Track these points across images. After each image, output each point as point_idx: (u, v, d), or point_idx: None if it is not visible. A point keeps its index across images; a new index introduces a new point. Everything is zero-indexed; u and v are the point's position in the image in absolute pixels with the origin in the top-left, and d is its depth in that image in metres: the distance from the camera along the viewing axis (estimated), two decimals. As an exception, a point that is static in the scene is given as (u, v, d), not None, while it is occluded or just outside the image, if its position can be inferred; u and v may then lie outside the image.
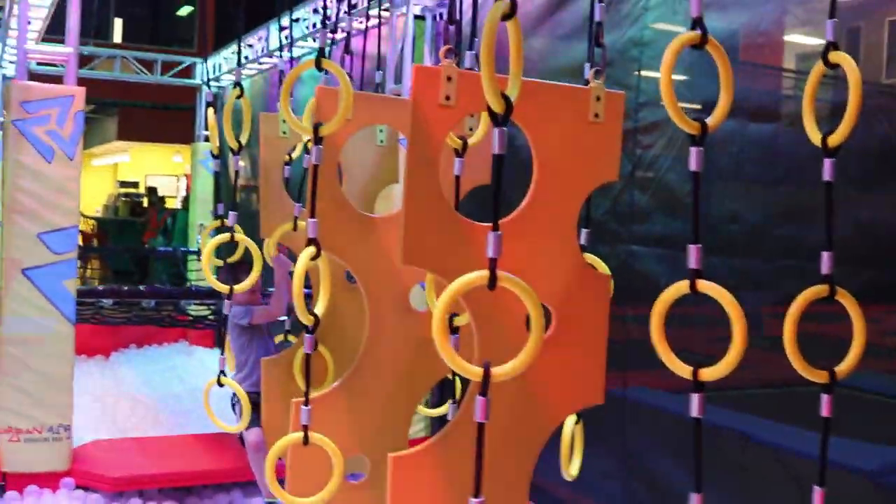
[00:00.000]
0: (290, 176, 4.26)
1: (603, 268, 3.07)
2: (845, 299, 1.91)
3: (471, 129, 3.06)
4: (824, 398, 1.89)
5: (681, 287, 1.89)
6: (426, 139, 2.41)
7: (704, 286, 1.87)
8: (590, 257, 3.11)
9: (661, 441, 4.93)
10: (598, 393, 2.69)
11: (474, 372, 1.89)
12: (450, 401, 3.18)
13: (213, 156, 4.16)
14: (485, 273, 1.87)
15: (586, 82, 2.62)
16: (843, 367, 1.92)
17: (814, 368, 1.89)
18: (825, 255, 1.89)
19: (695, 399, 1.88)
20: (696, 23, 1.90)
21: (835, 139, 1.88)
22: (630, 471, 4.99)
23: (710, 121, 1.91)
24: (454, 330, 3.01)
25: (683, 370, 1.89)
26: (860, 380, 4.14)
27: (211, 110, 4.06)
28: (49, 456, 5.81)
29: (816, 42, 4.43)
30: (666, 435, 4.94)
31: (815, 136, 1.92)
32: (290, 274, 4.43)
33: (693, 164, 1.93)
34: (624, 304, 3.93)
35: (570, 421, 3.25)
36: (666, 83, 1.91)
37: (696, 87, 4.84)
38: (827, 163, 1.91)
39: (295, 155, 4.22)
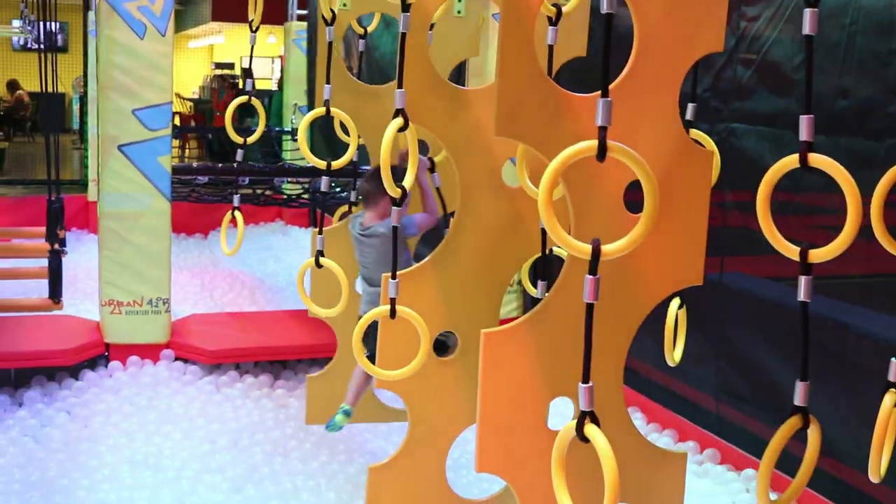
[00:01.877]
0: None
1: (709, 143, 2.94)
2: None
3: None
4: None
5: (791, 161, 1.76)
6: (519, 6, 2.31)
7: (817, 160, 1.73)
8: (696, 133, 2.98)
9: (755, 327, 4.82)
10: (697, 274, 2.61)
11: (583, 249, 1.80)
12: (540, 280, 3.11)
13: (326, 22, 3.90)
14: (593, 143, 1.77)
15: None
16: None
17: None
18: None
19: (802, 282, 1.77)
20: None
21: None
22: (723, 356, 4.91)
23: None
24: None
25: (790, 251, 1.78)
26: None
27: None
28: (149, 328, 5.97)
29: None
30: (761, 321, 4.83)
31: None
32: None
33: (807, 28, 1.78)
34: (722, 186, 3.78)
35: (674, 306, 3.17)
36: None
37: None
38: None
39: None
